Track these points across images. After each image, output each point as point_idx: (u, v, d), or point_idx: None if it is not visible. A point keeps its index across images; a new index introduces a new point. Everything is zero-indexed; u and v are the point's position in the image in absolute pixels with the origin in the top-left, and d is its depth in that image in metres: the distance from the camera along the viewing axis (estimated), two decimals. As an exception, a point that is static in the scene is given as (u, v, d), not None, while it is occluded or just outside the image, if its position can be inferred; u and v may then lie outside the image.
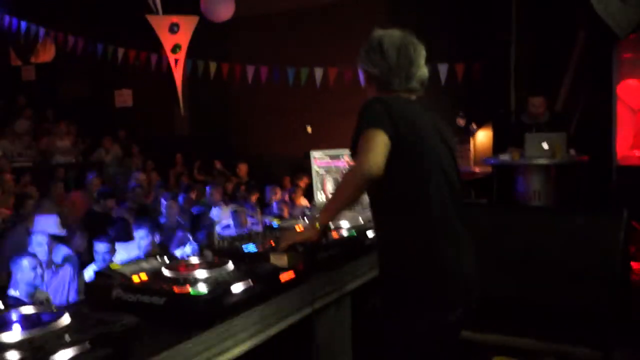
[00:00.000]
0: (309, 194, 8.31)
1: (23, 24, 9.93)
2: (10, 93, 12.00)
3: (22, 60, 12.82)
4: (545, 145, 5.62)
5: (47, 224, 5.24)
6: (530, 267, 3.67)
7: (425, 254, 2.09)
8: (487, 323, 3.24)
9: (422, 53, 2.25)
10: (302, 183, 8.57)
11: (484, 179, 7.45)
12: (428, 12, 8.18)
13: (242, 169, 10.22)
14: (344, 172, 3.74)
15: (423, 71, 2.26)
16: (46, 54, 12.35)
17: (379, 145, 2.02)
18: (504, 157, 5.93)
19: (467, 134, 8.78)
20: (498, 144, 7.40)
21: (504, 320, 3.41)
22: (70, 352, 1.42)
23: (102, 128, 11.24)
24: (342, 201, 2.16)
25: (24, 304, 1.74)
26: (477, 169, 8.29)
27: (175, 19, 9.32)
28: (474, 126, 8.81)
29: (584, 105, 6.84)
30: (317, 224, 2.23)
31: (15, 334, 1.44)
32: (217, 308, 1.88)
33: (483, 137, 8.97)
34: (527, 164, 5.78)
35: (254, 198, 8.03)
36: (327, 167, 3.81)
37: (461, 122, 8.62)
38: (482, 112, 8.57)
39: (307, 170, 5.61)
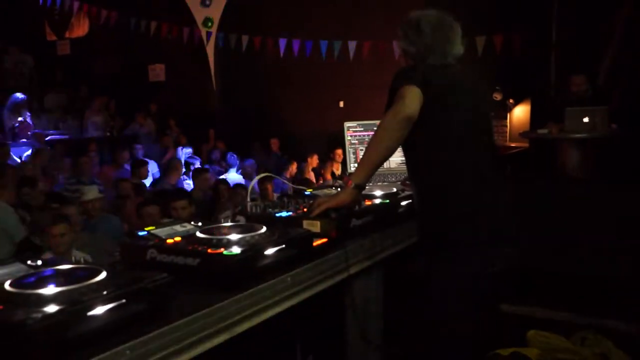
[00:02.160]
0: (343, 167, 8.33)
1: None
2: (46, 67, 12.17)
3: (57, 35, 12.96)
4: (586, 119, 5.49)
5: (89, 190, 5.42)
6: (568, 240, 3.61)
7: (460, 200, 2.23)
8: (524, 296, 3.19)
9: (458, 31, 2.35)
10: (334, 157, 8.57)
11: (521, 153, 7.32)
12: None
13: (274, 143, 10.25)
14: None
15: (458, 48, 2.36)
16: (80, 28, 12.47)
17: (413, 94, 2.14)
18: (543, 131, 5.82)
19: (504, 109, 8.61)
20: (536, 119, 7.26)
21: (541, 293, 3.37)
22: (106, 306, 1.43)
23: (134, 103, 11.34)
24: (377, 150, 2.21)
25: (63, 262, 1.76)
26: (513, 144, 8.15)
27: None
28: (511, 101, 8.64)
29: (626, 79, 6.65)
30: (352, 185, 2.27)
31: (52, 288, 1.45)
32: (250, 269, 1.87)
33: (520, 112, 8.80)
34: (566, 138, 5.66)
35: (288, 172, 8.07)
36: (360, 137, 3.76)
37: (498, 96, 8.44)
38: (519, 87, 8.39)
39: (340, 143, 5.59)
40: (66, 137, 10.20)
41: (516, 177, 5.37)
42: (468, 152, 2.26)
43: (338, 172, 8.48)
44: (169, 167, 7.55)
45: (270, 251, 1.99)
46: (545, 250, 3.56)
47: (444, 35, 2.33)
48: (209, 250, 1.87)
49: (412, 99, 2.14)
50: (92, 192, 5.51)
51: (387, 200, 2.82)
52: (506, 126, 8.61)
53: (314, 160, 8.75)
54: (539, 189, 4.44)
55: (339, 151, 8.57)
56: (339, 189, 2.91)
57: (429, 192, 2.32)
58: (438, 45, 2.32)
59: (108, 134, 10.47)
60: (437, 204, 2.29)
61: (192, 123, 11.06)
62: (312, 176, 8.36)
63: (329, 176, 8.36)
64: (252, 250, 1.92)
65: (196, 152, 9.78)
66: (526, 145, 7.34)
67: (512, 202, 2.32)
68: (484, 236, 2.21)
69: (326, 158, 8.84)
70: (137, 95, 11.78)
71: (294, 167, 8.21)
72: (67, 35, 12.86)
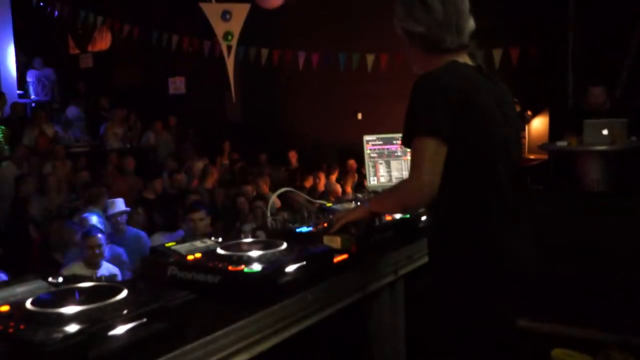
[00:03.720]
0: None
1: (81, 13, 10.20)
2: (70, 80, 12.36)
3: (80, 48, 13.17)
4: (605, 132, 5.43)
5: (115, 204, 5.47)
6: (590, 254, 3.55)
7: (481, 237, 1.99)
8: (546, 312, 3.14)
9: (466, 1, 2.02)
10: (350, 169, 8.57)
11: (540, 166, 7.26)
12: None
13: (292, 156, 10.26)
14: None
15: (471, 22, 2.03)
16: (103, 42, 12.65)
17: (434, 158, 1.88)
18: (562, 144, 5.77)
19: (522, 120, 8.55)
20: (555, 131, 7.20)
21: (564, 310, 3.31)
22: (127, 325, 1.43)
23: (155, 115, 11.46)
24: (392, 210, 2.30)
25: (86, 278, 1.76)
26: (532, 156, 8.08)
27: (227, 6, 9.39)
28: (529, 113, 8.58)
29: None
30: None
31: (73, 307, 1.45)
32: (270, 286, 1.86)
33: (538, 123, 8.73)
34: (585, 151, 5.60)
35: (307, 184, 8.07)
36: (379, 150, 3.75)
37: (516, 108, 8.38)
38: (537, 99, 8.33)
39: (358, 156, 5.57)
40: (87, 149, 10.32)
41: (535, 190, 5.31)
42: (497, 178, 1.98)
43: (353, 181, 8.43)
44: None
45: (290, 268, 1.98)
46: (567, 264, 3.51)
47: (455, 7, 1.97)
48: (230, 268, 1.87)
49: (432, 164, 1.88)
50: (116, 205, 5.57)
51: (408, 215, 2.79)
52: (524, 138, 8.55)
53: (335, 173, 8.76)
54: (559, 201, 4.38)
55: (352, 162, 8.58)
56: (358, 203, 2.90)
57: (448, 221, 2.05)
58: (452, 21, 1.97)
59: (128, 145, 10.58)
60: (455, 233, 2.04)
61: (209, 135, 11.13)
62: (338, 188, 8.35)
63: (349, 189, 8.34)
64: (273, 267, 1.91)
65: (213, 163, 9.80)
66: (545, 157, 7.28)
67: (533, 224, 2.12)
68: (505, 269, 1.99)
69: (345, 170, 8.83)
70: (158, 107, 11.89)
71: (310, 181, 8.21)
72: (89, 48, 13.05)
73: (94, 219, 5.35)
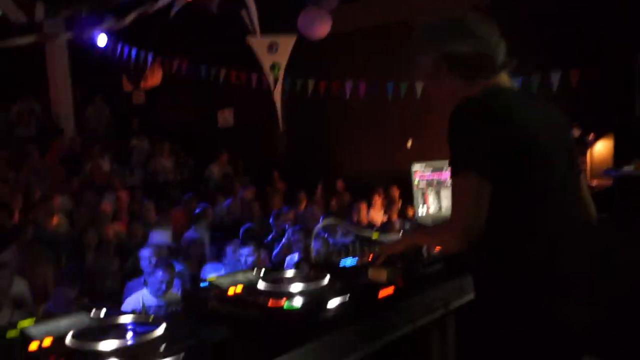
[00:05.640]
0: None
1: (134, 51, 10.53)
2: (123, 117, 12.76)
3: (133, 85, 13.58)
4: (678, 155, 5.18)
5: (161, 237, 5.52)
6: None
7: (530, 305, 1.75)
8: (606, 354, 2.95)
9: (494, 26, 1.87)
10: (394, 197, 8.49)
11: (603, 192, 6.96)
12: (534, 19, 7.81)
13: (340, 185, 10.23)
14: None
15: (503, 45, 1.87)
16: (154, 78, 13.01)
17: (477, 198, 1.69)
18: (628, 169, 5.54)
19: (584, 145, 8.27)
20: (620, 155, 6.93)
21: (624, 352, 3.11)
22: (165, 361, 1.40)
23: (205, 148, 11.64)
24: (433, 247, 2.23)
25: (130, 313, 1.75)
26: (594, 182, 7.79)
27: (274, 38, 9.52)
28: (592, 137, 8.28)
29: None
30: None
31: (111, 342, 1.43)
32: (311, 323, 1.80)
33: (601, 147, 8.40)
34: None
35: (355, 216, 8.00)
36: (429, 179, 3.66)
37: (576, 132, 8.12)
38: (599, 122, 8.04)
39: (405, 184, 5.47)
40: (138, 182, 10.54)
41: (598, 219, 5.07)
42: (546, 245, 1.76)
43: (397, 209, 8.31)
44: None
45: (333, 303, 1.92)
46: (632, 302, 3.31)
47: (492, 30, 1.85)
48: (269, 304, 1.81)
49: (473, 206, 1.70)
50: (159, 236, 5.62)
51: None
52: (585, 163, 8.25)
53: (376, 204, 8.68)
54: (622, 230, 4.16)
55: (394, 189, 8.48)
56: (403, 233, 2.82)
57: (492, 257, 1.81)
58: (492, 42, 1.83)
59: (179, 177, 10.76)
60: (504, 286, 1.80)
61: (260, 165, 11.21)
62: (377, 218, 8.26)
63: (394, 217, 8.22)
64: (314, 303, 1.85)
65: (260, 194, 9.81)
66: (609, 183, 6.99)
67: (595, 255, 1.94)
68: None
69: (392, 199, 8.73)
70: (207, 140, 12.09)
71: (363, 209, 8.12)
72: (142, 85, 13.45)
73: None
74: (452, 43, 1.83)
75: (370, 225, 7.01)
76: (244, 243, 5.28)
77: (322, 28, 8.95)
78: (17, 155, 9.31)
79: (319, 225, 3.32)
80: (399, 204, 8.55)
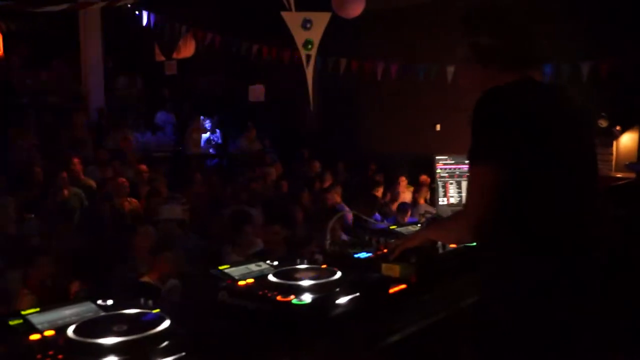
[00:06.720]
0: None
1: (167, 22, 10.55)
2: (155, 86, 12.83)
3: (165, 55, 13.60)
4: None
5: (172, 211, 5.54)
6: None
7: (544, 294, 1.74)
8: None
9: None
10: (424, 183, 8.41)
11: (626, 186, 6.81)
12: (568, 8, 7.59)
13: (371, 165, 10.20)
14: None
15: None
16: (187, 49, 13.00)
17: (488, 190, 1.71)
18: (653, 163, 5.39)
19: (610, 136, 8.09)
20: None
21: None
22: (167, 359, 1.40)
23: (235, 121, 11.67)
24: (447, 242, 2.29)
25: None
26: (618, 174, 7.62)
27: (308, 15, 9.41)
28: (618, 128, 8.09)
29: None
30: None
31: (113, 338, 1.44)
32: (319, 319, 1.80)
33: (628, 140, 8.22)
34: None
35: (378, 193, 7.97)
36: (450, 171, 3.61)
37: (603, 123, 7.93)
38: (628, 113, 7.85)
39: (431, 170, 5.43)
40: (168, 153, 10.65)
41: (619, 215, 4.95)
42: (565, 210, 1.77)
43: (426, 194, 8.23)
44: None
45: (343, 300, 1.91)
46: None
47: (527, 23, 1.85)
48: (279, 298, 1.81)
49: (487, 197, 1.71)
50: (169, 212, 5.62)
51: (474, 243, 2.65)
52: (611, 154, 8.07)
53: (399, 185, 8.62)
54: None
55: (423, 177, 8.38)
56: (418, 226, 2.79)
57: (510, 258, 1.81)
58: (528, 36, 1.85)
59: (211, 150, 10.85)
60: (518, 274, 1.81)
61: (289, 142, 11.21)
62: (406, 197, 8.21)
63: (422, 201, 8.15)
64: (324, 299, 1.84)
65: (289, 172, 9.84)
66: (633, 176, 6.82)
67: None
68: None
69: (419, 183, 8.64)
70: (237, 114, 12.11)
71: (380, 192, 8.10)
72: (174, 56, 13.46)
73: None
74: (486, 33, 1.84)
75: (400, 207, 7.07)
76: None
77: (356, 6, 8.83)
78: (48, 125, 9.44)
79: (331, 221, 3.22)
80: (427, 191, 8.48)
